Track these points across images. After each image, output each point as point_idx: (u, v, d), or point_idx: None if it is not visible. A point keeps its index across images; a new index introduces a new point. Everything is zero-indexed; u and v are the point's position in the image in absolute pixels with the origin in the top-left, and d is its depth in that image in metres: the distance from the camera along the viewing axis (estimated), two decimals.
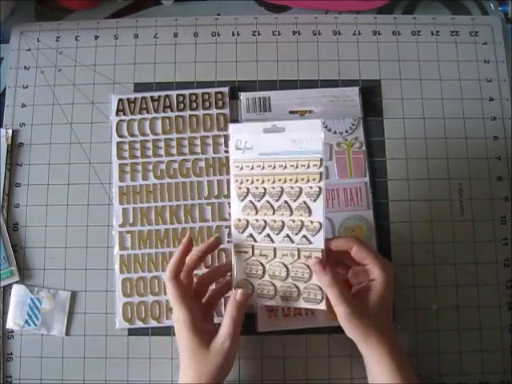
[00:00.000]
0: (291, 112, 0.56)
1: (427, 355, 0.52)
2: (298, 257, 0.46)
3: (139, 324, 0.52)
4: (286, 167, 0.46)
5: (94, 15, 0.60)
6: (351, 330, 0.44)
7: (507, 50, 0.58)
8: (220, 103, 0.56)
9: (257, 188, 0.47)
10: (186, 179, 0.55)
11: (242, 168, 0.47)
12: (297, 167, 0.46)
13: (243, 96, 0.56)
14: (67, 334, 0.52)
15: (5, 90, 0.58)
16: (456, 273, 0.53)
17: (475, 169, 0.55)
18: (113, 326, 0.52)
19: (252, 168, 0.47)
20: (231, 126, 0.48)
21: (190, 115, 0.56)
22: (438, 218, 0.54)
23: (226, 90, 0.57)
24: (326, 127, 0.55)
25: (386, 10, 0.60)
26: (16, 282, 0.53)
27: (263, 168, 0.46)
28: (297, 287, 0.46)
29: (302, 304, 0.46)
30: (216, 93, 0.56)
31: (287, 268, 0.46)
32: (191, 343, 0.44)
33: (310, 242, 0.45)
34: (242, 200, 0.47)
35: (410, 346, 0.52)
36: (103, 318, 0.52)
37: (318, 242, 0.45)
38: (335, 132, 0.55)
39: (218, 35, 0.59)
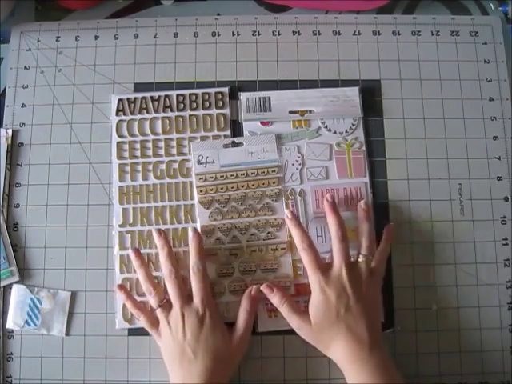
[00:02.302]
0: (291, 112, 0.56)
1: (427, 355, 0.52)
2: (266, 251, 0.52)
3: (139, 324, 0.52)
4: (247, 175, 0.53)
5: (94, 15, 0.60)
6: (306, 338, 0.48)
7: (507, 50, 0.58)
8: (220, 103, 0.56)
9: (222, 195, 0.53)
10: (186, 179, 0.55)
11: (205, 180, 0.53)
12: (257, 174, 0.53)
13: (243, 96, 0.56)
14: (67, 334, 0.52)
15: (5, 89, 0.58)
16: (456, 273, 0.53)
17: (475, 169, 0.55)
18: (113, 326, 0.52)
19: (215, 179, 0.53)
20: (192, 145, 0.54)
21: (190, 115, 0.56)
22: (438, 217, 0.54)
23: (226, 90, 0.57)
24: (326, 127, 0.55)
25: (386, 10, 0.60)
26: (16, 282, 0.53)
27: (226, 178, 0.53)
28: (266, 278, 0.52)
29: None
30: (216, 93, 0.56)
31: (256, 262, 0.52)
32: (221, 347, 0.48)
33: (275, 237, 0.52)
34: (208, 208, 0.53)
35: (409, 346, 0.52)
36: (103, 317, 0.52)
37: (283, 236, 0.52)
38: (335, 132, 0.55)
39: (218, 35, 0.59)
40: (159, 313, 0.49)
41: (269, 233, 0.53)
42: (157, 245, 0.51)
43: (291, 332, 0.50)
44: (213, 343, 0.47)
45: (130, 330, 0.52)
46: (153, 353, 0.52)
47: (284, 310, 0.48)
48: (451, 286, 0.53)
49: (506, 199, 0.55)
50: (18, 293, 0.53)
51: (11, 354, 0.52)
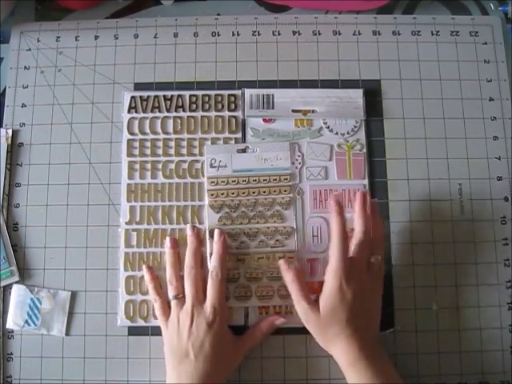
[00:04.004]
0: (294, 111, 0.56)
1: (427, 355, 0.52)
2: (273, 259, 0.52)
3: (141, 322, 0.52)
4: (259, 181, 0.53)
5: (94, 15, 0.60)
6: (309, 327, 0.48)
7: (507, 50, 0.58)
8: (232, 106, 0.56)
9: (232, 200, 0.53)
10: (195, 180, 0.55)
11: (217, 183, 0.53)
12: (269, 181, 0.53)
13: (247, 92, 0.56)
14: (67, 334, 0.52)
15: (5, 89, 0.58)
16: (456, 273, 0.53)
17: (475, 169, 0.55)
18: (113, 326, 0.52)
19: (227, 183, 0.53)
20: (205, 147, 0.54)
21: (202, 116, 0.56)
22: (438, 217, 0.54)
23: (239, 92, 0.56)
24: (328, 128, 0.55)
25: (386, 10, 0.60)
26: (16, 282, 0.53)
27: (238, 183, 0.53)
28: (272, 286, 0.51)
29: (278, 301, 0.51)
30: (229, 95, 0.56)
31: (263, 270, 0.51)
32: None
33: (284, 245, 0.52)
34: (218, 212, 0.53)
35: (409, 346, 0.52)
36: (103, 317, 0.52)
37: (291, 245, 0.52)
38: (337, 133, 0.55)
39: (218, 35, 0.59)
40: (173, 304, 0.49)
41: (277, 241, 0.52)
42: (187, 240, 0.51)
43: (291, 332, 0.51)
44: (216, 350, 0.47)
45: (130, 330, 0.52)
46: (153, 353, 0.52)
47: (294, 288, 0.48)
48: (451, 286, 0.53)
49: (506, 199, 0.55)
50: (17, 293, 0.53)
51: (11, 354, 0.52)
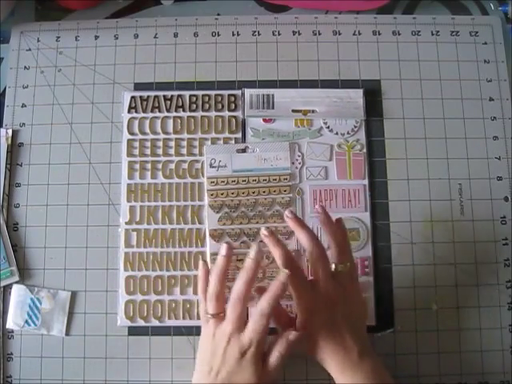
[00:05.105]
0: (294, 111, 0.56)
1: (427, 355, 0.52)
2: (273, 259, 0.48)
3: (141, 322, 0.52)
4: (259, 181, 0.53)
5: (94, 15, 0.60)
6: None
7: (507, 50, 0.58)
8: (232, 106, 0.56)
9: (232, 200, 0.53)
10: (195, 180, 0.55)
11: (216, 183, 0.53)
12: (269, 181, 0.53)
13: (247, 92, 0.56)
14: (67, 334, 0.52)
15: (5, 89, 0.58)
16: (456, 273, 0.53)
17: (475, 169, 0.55)
18: (113, 326, 0.52)
19: (227, 183, 0.53)
20: (205, 147, 0.54)
21: (202, 116, 0.56)
22: (438, 217, 0.54)
23: (239, 92, 0.57)
24: (328, 128, 0.55)
25: (386, 10, 0.60)
26: (16, 282, 0.53)
27: (237, 183, 0.53)
28: None
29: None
30: (229, 95, 0.56)
31: (263, 270, 0.51)
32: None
33: None
34: (218, 212, 0.53)
35: (409, 346, 0.52)
36: (103, 317, 0.52)
37: (291, 245, 0.52)
38: (337, 133, 0.55)
39: (218, 35, 0.59)
40: (212, 321, 0.45)
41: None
42: (245, 264, 0.45)
43: None
44: (245, 378, 0.44)
45: (130, 330, 0.52)
46: (153, 353, 0.52)
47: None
48: (451, 286, 0.53)
49: (506, 199, 0.55)
50: (17, 293, 0.53)
51: (11, 354, 0.52)
